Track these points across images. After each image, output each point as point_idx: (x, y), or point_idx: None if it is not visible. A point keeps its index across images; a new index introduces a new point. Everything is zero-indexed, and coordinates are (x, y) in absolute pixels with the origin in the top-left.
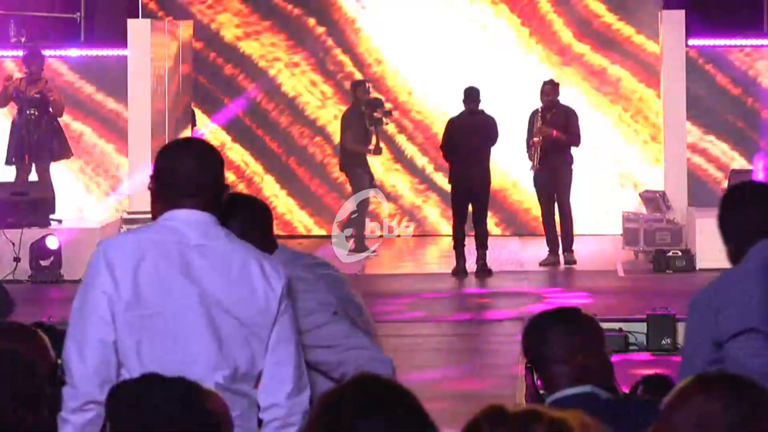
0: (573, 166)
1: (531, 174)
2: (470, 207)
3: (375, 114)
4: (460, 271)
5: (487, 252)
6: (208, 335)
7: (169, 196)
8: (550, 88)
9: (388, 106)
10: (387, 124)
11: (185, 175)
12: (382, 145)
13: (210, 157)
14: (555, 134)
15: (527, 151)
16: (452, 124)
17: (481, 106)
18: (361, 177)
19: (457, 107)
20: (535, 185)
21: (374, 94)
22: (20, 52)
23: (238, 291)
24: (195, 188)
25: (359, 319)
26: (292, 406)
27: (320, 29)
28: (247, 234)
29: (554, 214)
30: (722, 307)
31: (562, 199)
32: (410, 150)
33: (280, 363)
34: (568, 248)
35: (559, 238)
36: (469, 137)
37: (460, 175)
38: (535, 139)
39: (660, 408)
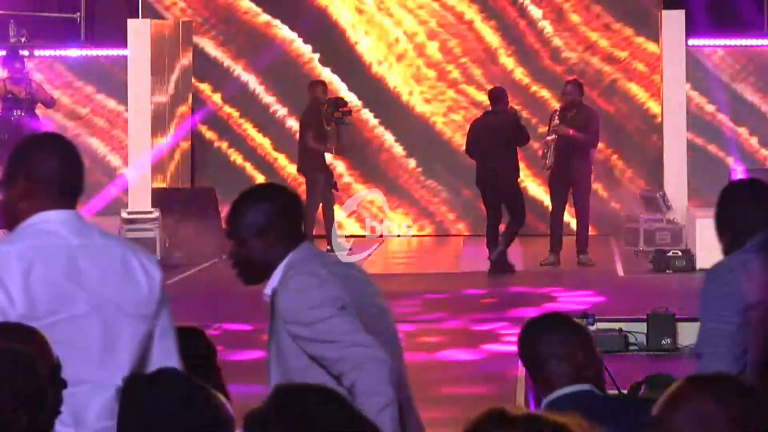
0: (592, 167)
1: (546, 172)
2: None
3: (335, 113)
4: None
5: (507, 250)
6: (104, 338)
7: (44, 194)
8: (571, 88)
9: (350, 104)
10: (348, 123)
11: (62, 172)
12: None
13: (77, 153)
14: (571, 133)
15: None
16: (472, 126)
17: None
18: (318, 178)
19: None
20: (550, 183)
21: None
22: (25, 52)
23: (125, 286)
24: (71, 185)
25: (381, 322)
26: None
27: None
28: (273, 225)
29: (563, 215)
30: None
31: (581, 202)
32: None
33: (167, 352)
34: (583, 250)
35: (560, 240)
36: (486, 137)
37: (481, 176)
38: (549, 137)
39: (654, 413)
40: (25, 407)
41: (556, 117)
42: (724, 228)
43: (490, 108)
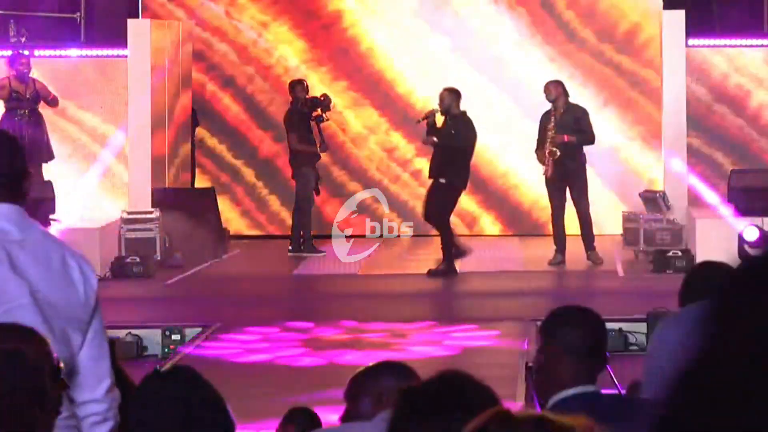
0: (586, 165)
1: (542, 173)
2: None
3: (314, 113)
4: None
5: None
6: (45, 333)
7: None
8: (553, 87)
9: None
10: (327, 120)
11: None
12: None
13: (5, 143)
14: (566, 139)
15: (536, 151)
16: (472, 126)
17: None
18: (307, 177)
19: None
20: (547, 185)
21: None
22: (25, 52)
23: (61, 285)
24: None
25: None
26: (111, 401)
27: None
28: None
29: (564, 214)
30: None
31: (579, 199)
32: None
33: (98, 358)
34: (590, 247)
35: (564, 239)
36: (474, 137)
37: (468, 176)
38: (550, 149)
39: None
40: (36, 407)
41: (552, 126)
42: None
43: (459, 107)
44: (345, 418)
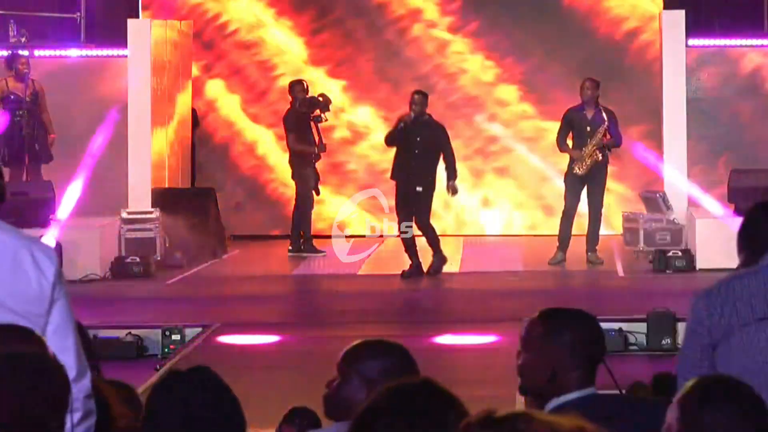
0: (608, 166)
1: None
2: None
3: (313, 113)
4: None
5: (434, 254)
6: None
7: None
8: (591, 85)
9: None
10: (326, 120)
11: None
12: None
13: None
14: (605, 141)
15: (562, 148)
16: None
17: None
18: (307, 177)
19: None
20: (568, 182)
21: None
22: (25, 52)
23: (11, 281)
24: None
25: None
26: (77, 391)
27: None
28: None
29: (575, 215)
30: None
31: (596, 197)
32: None
33: (61, 350)
34: (592, 248)
35: (568, 239)
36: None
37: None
38: (594, 150)
39: (675, 413)
40: (56, 413)
41: (603, 130)
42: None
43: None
44: (331, 389)
